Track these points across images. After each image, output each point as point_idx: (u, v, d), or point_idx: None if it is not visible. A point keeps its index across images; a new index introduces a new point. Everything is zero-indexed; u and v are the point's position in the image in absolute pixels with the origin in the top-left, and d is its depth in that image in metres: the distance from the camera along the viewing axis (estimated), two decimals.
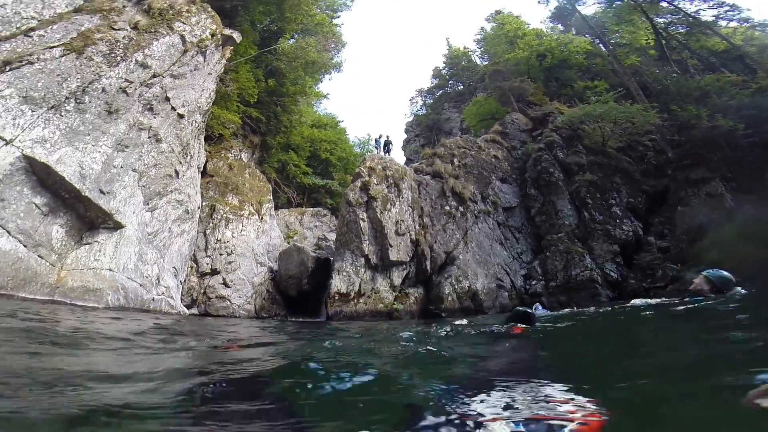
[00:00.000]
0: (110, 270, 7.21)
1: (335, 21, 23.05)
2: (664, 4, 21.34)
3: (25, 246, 5.86)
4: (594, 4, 24.66)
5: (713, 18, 20.70)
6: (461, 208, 15.34)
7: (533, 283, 13.90)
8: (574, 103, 18.65)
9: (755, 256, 9.12)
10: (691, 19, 20.88)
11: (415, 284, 13.53)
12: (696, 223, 13.19)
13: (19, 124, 6.24)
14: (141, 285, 7.96)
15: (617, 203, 15.12)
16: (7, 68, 6.46)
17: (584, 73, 23.66)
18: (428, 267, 13.63)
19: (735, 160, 13.89)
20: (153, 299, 8.10)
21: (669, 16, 21.88)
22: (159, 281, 8.63)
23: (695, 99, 16.14)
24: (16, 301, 5.07)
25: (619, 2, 22.39)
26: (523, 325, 4.30)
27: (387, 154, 18.97)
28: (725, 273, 4.67)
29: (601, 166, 16.10)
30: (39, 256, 6.08)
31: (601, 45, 23.42)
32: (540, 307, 7.98)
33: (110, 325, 4.89)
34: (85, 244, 7.07)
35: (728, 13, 20.28)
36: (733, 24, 21.10)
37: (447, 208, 15.32)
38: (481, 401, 1.83)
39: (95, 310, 5.99)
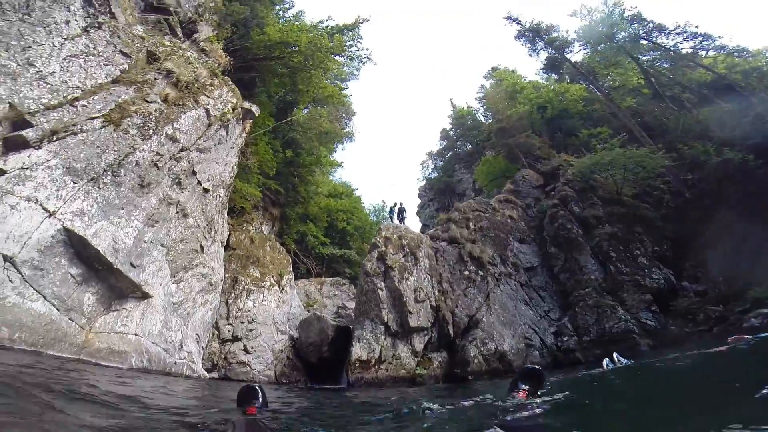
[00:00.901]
0: (136, 335, 7.37)
1: (345, 91, 24.66)
2: (644, 42, 22.41)
3: (58, 310, 6.14)
4: (580, 50, 25.79)
5: (691, 50, 21.53)
6: (481, 272, 15.16)
7: (565, 339, 13.16)
8: (581, 153, 18.94)
9: None
10: (672, 53, 21.72)
11: (438, 349, 13.04)
12: (728, 264, 12.64)
13: (61, 196, 6.74)
14: (164, 349, 8.02)
15: (642, 253, 14.68)
16: (54, 138, 6.97)
17: (586, 120, 24.05)
18: (451, 331, 13.25)
19: (754, 194, 13.48)
20: (175, 363, 8.10)
21: (651, 53, 22.79)
22: (182, 346, 8.67)
23: (697, 135, 16.19)
24: (44, 357, 5.21)
25: (603, 45, 23.39)
26: (527, 387, 3.95)
27: (402, 223, 19.34)
28: None
29: (620, 217, 15.90)
30: (70, 318, 6.33)
31: (596, 90, 24.05)
32: (620, 357, 7.32)
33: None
34: (114, 311, 7.32)
35: (703, 43, 21.20)
36: (712, 53, 21.76)
37: (466, 273, 15.19)
38: None
39: (119, 370, 6.05)
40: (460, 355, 12.54)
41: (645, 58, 22.68)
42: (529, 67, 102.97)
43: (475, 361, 12.04)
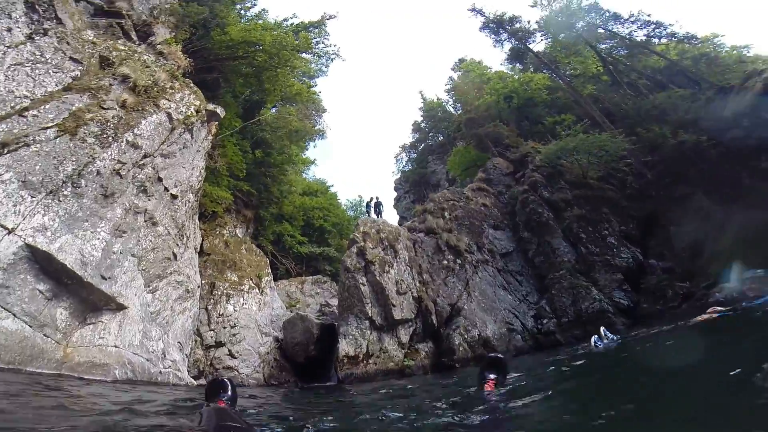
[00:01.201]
0: (116, 347, 7.06)
1: (314, 88, 24.34)
2: (601, 31, 23.27)
3: (30, 326, 5.80)
4: (542, 41, 26.43)
5: (645, 37, 22.50)
6: (459, 261, 15.40)
7: (545, 322, 13.59)
8: (548, 140, 19.55)
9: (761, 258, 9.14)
10: (627, 41, 22.63)
11: (423, 339, 13.21)
12: (692, 240, 13.38)
13: (20, 211, 6.31)
14: (147, 360, 7.73)
15: (610, 233, 15.32)
16: (5, 151, 6.51)
17: (551, 108, 24.76)
18: (434, 321, 13.43)
19: (710, 172, 14.21)
20: (160, 372, 7.84)
21: (609, 41, 23.70)
22: (165, 355, 8.38)
23: (654, 118, 16.92)
24: (24, 375, 4.96)
25: (563, 35, 24.14)
26: (493, 377, 3.97)
27: (379, 216, 19.40)
28: None
29: (587, 199, 16.54)
30: (44, 335, 6.00)
31: (558, 79, 24.78)
32: (607, 333, 7.47)
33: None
34: (90, 324, 6.97)
35: (656, 30, 22.15)
36: (664, 40, 22.79)
37: (445, 262, 15.39)
38: None
39: (104, 383, 5.82)
40: (445, 343, 12.76)
41: (603, 46, 23.56)
42: (495, 57, 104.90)
43: (460, 348, 12.28)
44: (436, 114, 36.54)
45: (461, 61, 34.82)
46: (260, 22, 19.39)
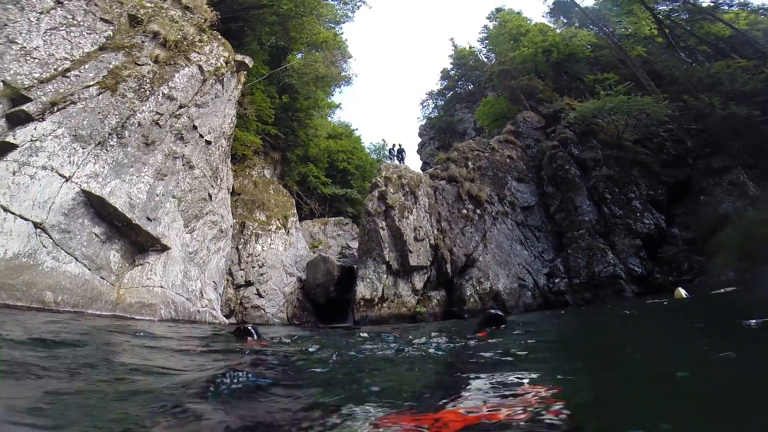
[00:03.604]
0: (161, 287, 8.00)
1: (339, 34, 23.61)
2: None
3: (89, 269, 6.65)
4: None
5: (713, 3, 20.34)
6: (478, 211, 15.59)
7: (556, 281, 14.00)
8: (585, 98, 18.59)
9: None
10: (690, 5, 20.46)
11: (436, 287, 13.91)
12: (719, 213, 13.06)
13: (74, 161, 7.00)
14: (188, 299, 8.73)
15: (637, 197, 15.05)
16: (55, 109, 7.15)
17: (593, 66, 23.30)
18: (449, 270, 13.97)
19: (756, 147, 13.66)
20: (198, 311, 8.86)
21: (669, 3, 21.44)
22: (202, 295, 9.41)
23: (707, 87, 15.83)
24: (87, 318, 5.82)
25: None
26: (487, 329, 4.51)
27: (402, 163, 19.45)
28: None
29: (618, 160, 16.05)
30: (101, 277, 6.87)
31: (605, 37, 23.00)
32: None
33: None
34: (138, 265, 7.86)
35: None
36: (734, 9, 20.66)
37: (464, 211, 15.59)
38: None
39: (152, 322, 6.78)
40: (457, 293, 13.46)
41: (661, 8, 21.16)
42: (535, 10, 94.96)
43: (471, 300, 12.99)
44: (468, 62, 35.05)
45: (498, 10, 32.47)
46: None
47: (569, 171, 16.14)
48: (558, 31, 25.83)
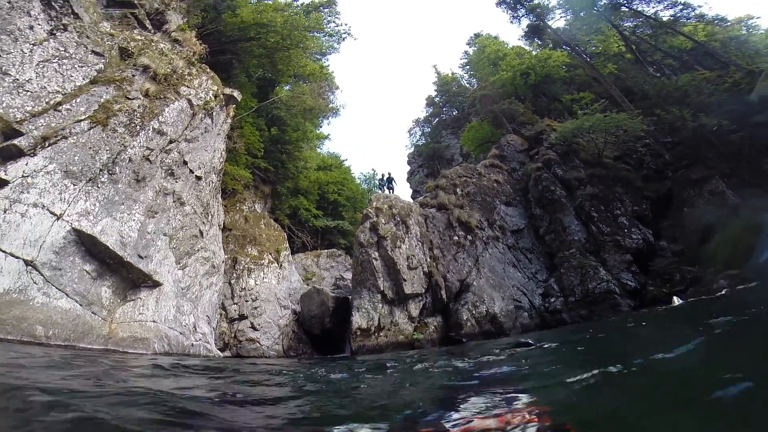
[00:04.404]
0: (154, 321, 7.85)
1: (326, 65, 24.22)
2: (625, 9, 22.33)
3: (80, 305, 6.54)
4: (561, 17, 25.58)
5: (672, 18, 21.60)
6: (469, 237, 15.76)
7: (552, 300, 14.01)
8: (564, 118, 19.27)
9: None
10: (652, 21, 21.76)
11: (432, 313, 13.82)
12: (704, 223, 13.38)
13: (65, 199, 6.96)
14: (181, 333, 8.56)
15: (622, 213, 15.38)
16: (47, 144, 7.12)
17: (569, 86, 24.21)
18: (444, 296, 13.95)
19: (730, 156, 14.11)
20: (192, 345, 8.68)
21: (632, 20, 22.79)
22: (195, 329, 9.23)
23: (676, 100, 16.52)
24: (77, 350, 5.73)
25: (583, 12, 23.30)
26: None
27: (391, 192, 19.75)
28: None
29: (601, 178, 16.51)
30: (92, 312, 6.74)
31: (577, 56, 24.05)
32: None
33: None
34: (130, 301, 7.74)
35: (683, 11, 21.30)
36: (692, 22, 21.92)
37: (456, 238, 15.75)
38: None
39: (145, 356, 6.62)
40: (453, 318, 13.36)
41: (626, 24, 22.64)
42: (512, 33, 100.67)
43: (468, 324, 12.89)
44: (451, 88, 36.15)
45: (477, 36, 34.02)
46: (270, 2, 19.22)
47: (555, 192, 16.51)
48: (534, 53, 26.88)
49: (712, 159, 14.43)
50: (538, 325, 13.32)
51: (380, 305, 13.34)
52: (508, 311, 13.57)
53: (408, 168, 37.53)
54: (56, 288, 6.19)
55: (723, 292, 9.17)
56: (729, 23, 21.17)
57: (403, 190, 39.84)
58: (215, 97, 11.67)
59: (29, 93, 7.36)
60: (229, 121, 13.51)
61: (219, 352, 10.17)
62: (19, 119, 6.95)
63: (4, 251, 5.69)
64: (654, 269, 13.55)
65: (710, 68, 17.71)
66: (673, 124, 15.95)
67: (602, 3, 21.85)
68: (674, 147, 16.26)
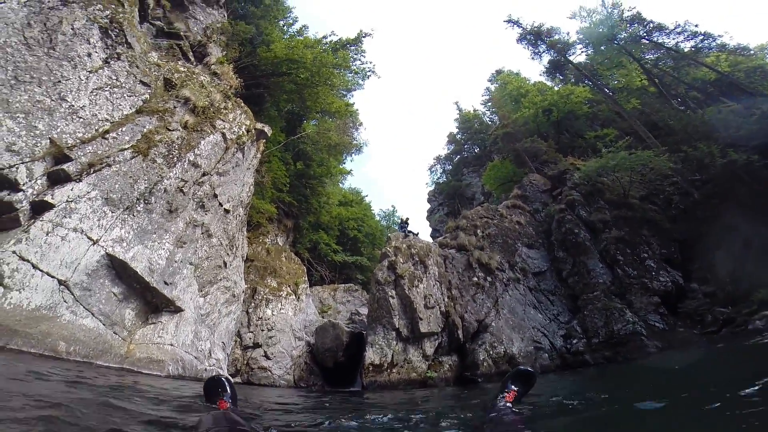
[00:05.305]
0: (171, 345, 8.11)
1: (350, 101, 24.94)
2: (645, 42, 22.34)
3: (104, 324, 6.89)
4: (582, 52, 25.67)
5: (693, 49, 21.39)
6: (489, 278, 15.55)
7: (574, 341, 13.44)
8: (588, 155, 19.01)
9: None
10: (674, 53, 21.65)
11: (448, 352, 13.53)
12: (736, 264, 12.79)
13: (102, 225, 7.42)
14: (196, 357, 8.76)
15: (650, 256, 14.88)
16: (92, 171, 7.49)
17: (592, 122, 23.96)
18: (460, 336, 13.69)
19: (760, 192, 13.43)
20: (205, 369, 8.83)
21: (653, 52, 22.65)
22: (210, 354, 9.42)
23: (703, 134, 16.03)
24: (94, 367, 6.00)
25: (604, 46, 23.32)
26: (516, 389, 3.97)
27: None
28: None
29: (627, 220, 16.09)
30: (114, 332, 7.07)
31: (600, 91, 23.99)
32: None
33: None
34: (151, 324, 8.06)
35: (704, 42, 21.06)
36: (714, 52, 21.60)
37: (475, 279, 15.55)
38: None
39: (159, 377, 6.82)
40: (470, 358, 13.00)
41: (648, 57, 22.67)
42: (533, 69, 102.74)
43: (484, 364, 12.50)
44: (472, 126, 36.17)
45: (498, 72, 34.57)
46: (301, 38, 20.54)
47: (579, 235, 16.20)
48: (556, 89, 26.68)
49: (742, 196, 13.86)
50: (559, 366, 12.80)
51: (394, 342, 13.19)
52: (527, 352, 13.11)
53: (428, 206, 37.52)
54: (84, 307, 6.61)
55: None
56: (752, 52, 20.74)
57: (422, 229, 39.57)
58: (247, 131, 12.16)
59: (81, 120, 7.76)
60: (259, 155, 14.07)
61: (230, 377, 10.27)
62: (70, 145, 7.33)
63: (41, 270, 6.18)
64: (684, 311, 12.92)
65: (736, 100, 17.15)
66: (702, 160, 15.38)
67: (622, 36, 22.07)
68: (703, 185, 15.69)
